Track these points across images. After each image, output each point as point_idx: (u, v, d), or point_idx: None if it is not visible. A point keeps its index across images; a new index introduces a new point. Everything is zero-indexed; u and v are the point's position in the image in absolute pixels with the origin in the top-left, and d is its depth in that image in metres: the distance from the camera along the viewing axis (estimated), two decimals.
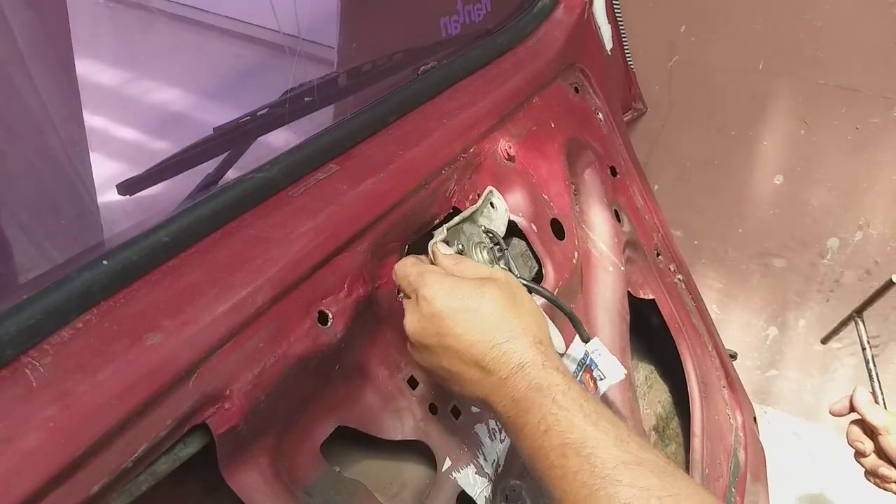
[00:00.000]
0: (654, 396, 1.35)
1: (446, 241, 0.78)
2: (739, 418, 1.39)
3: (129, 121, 0.86)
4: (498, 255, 0.84)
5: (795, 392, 1.74)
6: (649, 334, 1.29)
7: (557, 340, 0.81)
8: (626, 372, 0.83)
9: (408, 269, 0.67)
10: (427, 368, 0.66)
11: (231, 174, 0.77)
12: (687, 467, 1.20)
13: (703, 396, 1.26)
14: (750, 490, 1.29)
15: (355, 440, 0.77)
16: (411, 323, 0.64)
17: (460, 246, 0.79)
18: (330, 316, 0.69)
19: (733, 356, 1.43)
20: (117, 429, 0.50)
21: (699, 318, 1.35)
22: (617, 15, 1.33)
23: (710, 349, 1.35)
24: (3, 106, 0.59)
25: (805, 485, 1.71)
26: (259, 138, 0.77)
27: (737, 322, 1.68)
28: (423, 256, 0.74)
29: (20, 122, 0.64)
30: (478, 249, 0.81)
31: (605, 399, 1.02)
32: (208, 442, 0.58)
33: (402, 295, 0.80)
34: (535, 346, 0.61)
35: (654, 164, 1.51)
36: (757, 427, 1.43)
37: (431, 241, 0.76)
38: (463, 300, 0.62)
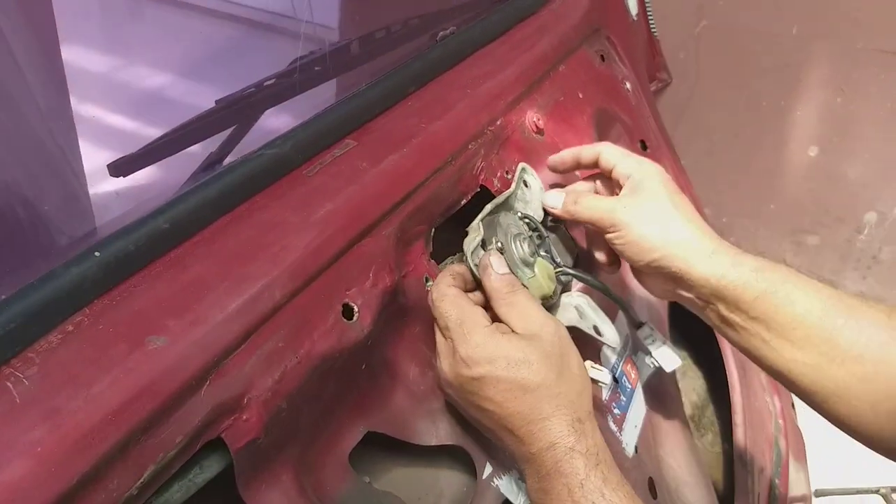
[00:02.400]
0: (688, 384, 1.28)
1: (483, 241, 0.70)
2: (778, 404, 1.31)
3: (116, 105, 0.77)
4: (538, 243, 0.76)
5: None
6: (681, 318, 1.22)
7: (611, 334, 0.73)
8: (681, 361, 0.76)
9: (448, 307, 0.62)
10: (461, 411, 0.64)
11: (236, 154, 0.69)
12: (729, 458, 1.13)
13: (742, 382, 1.18)
14: (792, 477, 1.22)
15: (383, 446, 0.69)
16: (448, 371, 0.62)
17: (499, 243, 0.71)
18: (355, 309, 0.61)
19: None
20: (118, 451, 0.42)
21: None
22: None
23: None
24: None
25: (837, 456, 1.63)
26: (266, 112, 0.68)
27: None
28: (460, 269, 0.68)
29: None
30: (517, 242, 0.73)
31: (649, 392, 0.95)
32: (228, 464, 0.50)
33: (431, 283, 0.72)
34: (571, 426, 0.57)
35: (681, 137, 1.42)
36: (795, 413, 1.36)
37: (470, 245, 0.68)
38: (507, 369, 0.58)
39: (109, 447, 0.41)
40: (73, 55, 0.63)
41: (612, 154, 0.73)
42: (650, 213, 0.67)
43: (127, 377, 0.44)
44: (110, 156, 0.54)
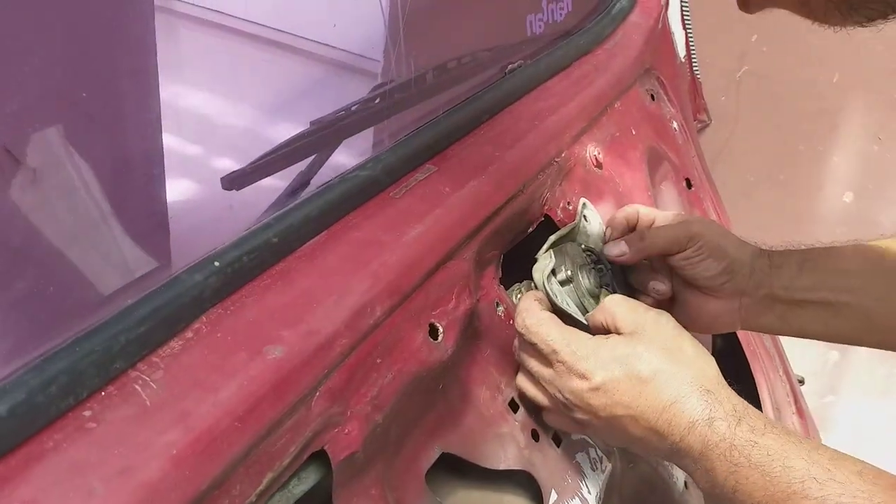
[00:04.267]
0: None
1: (553, 269, 0.72)
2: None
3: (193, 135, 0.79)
4: (601, 275, 0.77)
5: (855, 418, 1.67)
6: (719, 356, 1.22)
7: None
8: None
9: (549, 331, 0.63)
10: (601, 439, 0.66)
11: (321, 175, 0.71)
12: None
13: (773, 406, 1.19)
14: None
15: (451, 468, 0.69)
16: (571, 397, 0.62)
17: (568, 272, 0.73)
18: (440, 329, 0.62)
19: (801, 381, 1.36)
20: (242, 457, 0.43)
21: (770, 340, 1.28)
22: (686, 21, 1.28)
23: (780, 373, 1.29)
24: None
25: None
26: (351, 136, 0.70)
27: (797, 344, 1.62)
28: (539, 295, 0.69)
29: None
30: (584, 272, 0.74)
31: None
32: (324, 475, 0.51)
33: (502, 309, 0.73)
34: (701, 399, 0.57)
35: (717, 178, 1.45)
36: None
37: (545, 272, 0.69)
38: (621, 368, 0.60)
39: (236, 452, 0.42)
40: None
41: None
42: (716, 224, 0.76)
43: (250, 384, 0.45)
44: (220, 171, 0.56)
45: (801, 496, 0.51)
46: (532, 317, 0.64)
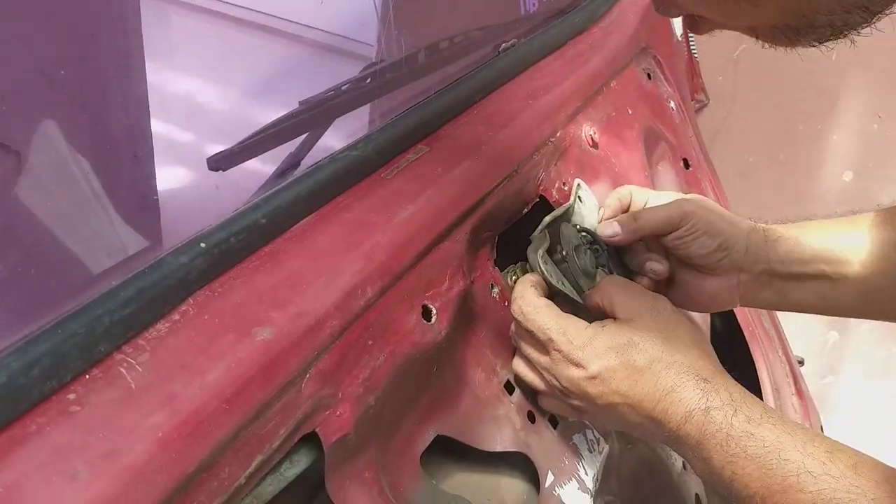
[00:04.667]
0: None
1: (549, 249, 0.71)
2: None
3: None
4: (597, 255, 0.76)
5: (855, 399, 1.67)
6: (718, 338, 1.22)
7: None
8: None
9: (545, 319, 0.63)
10: (598, 424, 0.67)
11: (312, 156, 0.69)
12: None
13: (776, 406, 1.18)
14: None
15: (446, 451, 0.69)
16: (568, 384, 0.62)
17: (563, 252, 0.72)
18: (434, 311, 0.62)
19: (801, 362, 1.35)
20: (231, 439, 0.42)
21: (769, 321, 1.27)
22: None
23: (779, 354, 1.28)
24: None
25: None
26: (341, 116, 0.69)
27: (796, 325, 1.61)
28: (536, 278, 0.68)
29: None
30: (579, 252, 0.73)
31: None
32: (315, 458, 0.50)
33: (497, 290, 0.73)
34: (698, 388, 0.57)
35: (715, 158, 1.43)
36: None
37: (539, 252, 0.69)
38: (617, 356, 0.60)
39: (224, 435, 0.42)
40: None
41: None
42: (710, 202, 0.75)
43: (238, 367, 0.44)
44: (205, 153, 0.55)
45: (796, 489, 0.51)
46: (528, 304, 0.64)
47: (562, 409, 0.69)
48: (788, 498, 0.51)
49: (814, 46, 0.43)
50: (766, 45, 0.45)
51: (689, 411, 0.57)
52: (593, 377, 0.60)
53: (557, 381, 0.63)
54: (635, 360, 0.59)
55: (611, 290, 0.65)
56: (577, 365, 0.61)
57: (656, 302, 0.64)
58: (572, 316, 0.64)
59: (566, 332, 0.61)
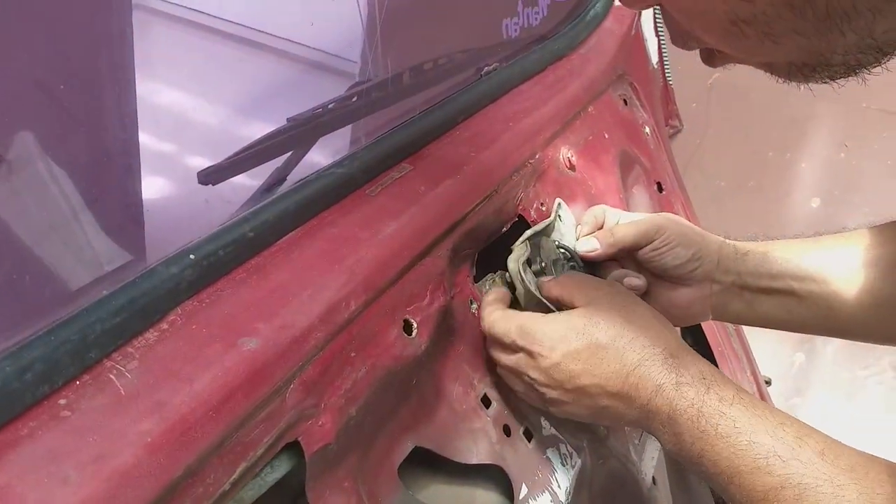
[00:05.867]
0: None
1: (528, 259, 0.73)
2: None
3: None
4: (574, 271, 0.79)
5: (821, 420, 1.70)
6: None
7: None
8: None
9: (505, 324, 0.65)
10: (575, 416, 0.65)
11: (297, 172, 0.71)
12: None
13: None
14: None
15: (423, 462, 0.70)
16: (540, 378, 0.63)
17: (542, 264, 0.74)
18: (415, 325, 0.63)
19: (768, 382, 1.39)
20: (217, 446, 0.43)
21: (738, 341, 1.31)
22: (659, 28, 1.31)
23: (748, 374, 1.31)
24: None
25: None
26: (328, 133, 0.71)
27: (763, 346, 1.65)
28: (497, 295, 0.71)
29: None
30: (556, 266, 0.76)
31: None
32: (295, 464, 0.51)
33: (475, 306, 0.75)
34: (665, 363, 0.58)
35: (688, 183, 1.47)
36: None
37: (519, 261, 0.71)
38: (578, 338, 0.61)
39: (211, 442, 0.43)
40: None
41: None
42: (680, 218, 0.78)
43: (225, 375, 0.45)
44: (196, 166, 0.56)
45: (764, 472, 0.52)
46: (490, 314, 0.67)
47: (543, 407, 0.69)
48: (756, 480, 0.52)
49: (826, 83, 0.44)
50: (781, 81, 0.46)
51: (659, 385, 0.58)
52: (557, 363, 0.61)
53: (528, 376, 0.65)
54: (597, 337, 0.60)
55: (568, 281, 0.68)
56: (540, 355, 0.62)
57: (612, 287, 0.66)
58: (530, 312, 0.66)
59: (524, 328, 0.63)
